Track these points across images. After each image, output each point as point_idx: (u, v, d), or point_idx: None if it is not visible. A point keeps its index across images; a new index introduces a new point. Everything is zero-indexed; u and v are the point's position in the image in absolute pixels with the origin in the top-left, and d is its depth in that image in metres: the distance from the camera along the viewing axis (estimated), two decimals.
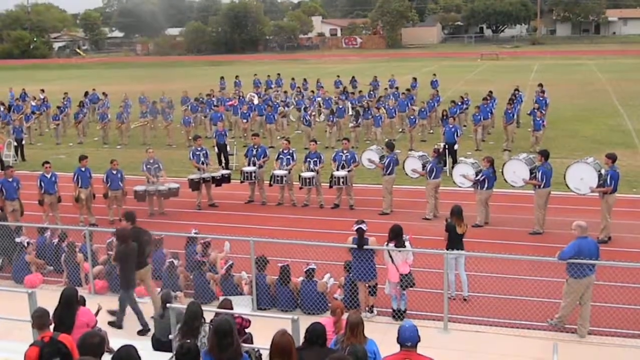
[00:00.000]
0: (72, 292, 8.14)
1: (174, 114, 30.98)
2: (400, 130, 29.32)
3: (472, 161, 16.85)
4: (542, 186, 15.09)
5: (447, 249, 11.27)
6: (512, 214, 16.65)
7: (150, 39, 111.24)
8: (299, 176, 17.97)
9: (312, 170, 17.94)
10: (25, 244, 13.44)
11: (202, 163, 18.48)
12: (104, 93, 36.40)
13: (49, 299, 8.58)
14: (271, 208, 18.24)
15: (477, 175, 15.97)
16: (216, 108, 28.77)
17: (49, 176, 16.42)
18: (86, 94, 36.84)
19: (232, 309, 8.64)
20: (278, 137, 28.34)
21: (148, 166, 17.72)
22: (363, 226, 10.76)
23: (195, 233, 12.95)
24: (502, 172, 16.27)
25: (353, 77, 40.66)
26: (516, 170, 15.86)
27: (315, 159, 18.04)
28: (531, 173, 15.59)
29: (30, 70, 79.24)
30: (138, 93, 37.13)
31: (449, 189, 18.19)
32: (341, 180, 17.49)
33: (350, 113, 29.11)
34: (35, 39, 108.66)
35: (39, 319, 7.26)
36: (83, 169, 16.72)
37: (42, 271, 13.39)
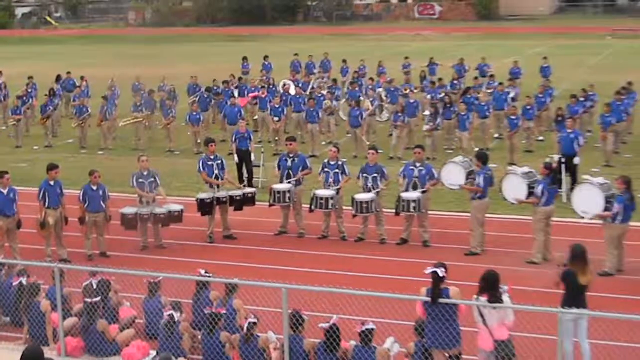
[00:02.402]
0: (35, 353, 8.26)
1: (178, 108, 31.46)
2: (497, 135, 29.13)
3: (600, 181, 16.65)
4: None
5: (564, 306, 11.11)
6: None
7: (147, 4, 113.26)
8: (352, 198, 18.00)
9: (369, 190, 17.97)
10: None
11: (216, 177, 18.67)
12: (82, 78, 37.14)
13: None
14: (312, 242, 18.29)
15: (606, 202, 15.75)
16: (233, 100, 29.08)
17: (5, 192, 16.70)
18: (58, 78, 37.67)
19: None
20: (323, 143, 28.46)
21: (141, 180, 17.95)
22: (439, 271, 10.69)
23: (205, 274, 13.06)
24: None
25: (431, 59, 40.68)
26: None
27: (375, 174, 18.06)
28: None
29: None
30: (130, 78, 37.78)
31: (566, 221, 17.97)
32: (412, 204, 17.45)
33: (425, 111, 29.11)
34: None
35: None
36: (52, 183, 17.05)
37: None
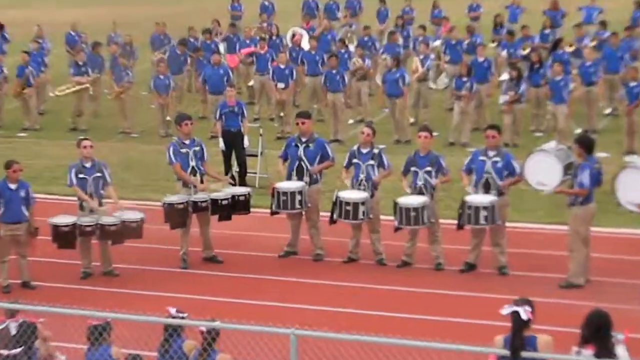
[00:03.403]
0: None
1: (137, 70, 31.47)
2: (609, 111, 29.01)
3: None
4: None
5: None
6: None
7: None
8: (394, 203, 18.01)
9: (420, 192, 17.99)
10: None
11: (193, 171, 18.72)
12: None
13: None
14: (334, 268, 18.32)
15: None
16: (218, 57, 28.95)
17: None
18: None
19: None
20: (350, 121, 28.44)
21: (82, 175, 17.96)
22: (522, 311, 10.67)
23: (177, 315, 13.08)
24: None
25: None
26: None
27: (429, 168, 18.01)
28: None
29: None
30: (65, 25, 37.75)
31: None
32: (482, 213, 17.35)
33: (502, 75, 29.02)
34: None
35: None
36: None
37: None
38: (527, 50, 29.89)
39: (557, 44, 30.65)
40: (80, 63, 30.62)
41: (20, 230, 17.33)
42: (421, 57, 29.75)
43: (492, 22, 37.06)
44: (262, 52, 30.63)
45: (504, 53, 31.13)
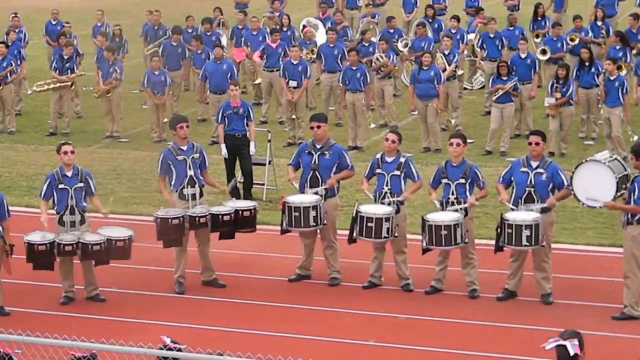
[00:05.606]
0: None
1: (127, 65, 31.45)
2: None
3: None
4: None
5: None
6: None
7: None
8: (422, 221, 17.98)
9: (453, 207, 17.96)
10: None
11: (191, 182, 18.65)
12: None
13: None
14: (352, 294, 18.24)
15: None
16: (220, 51, 28.82)
17: None
18: None
19: None
20: (372, 126, 28.42)
21: (62, 186, 17.92)
22: (570, 345, 10.65)
23: (172, 346, 13.10)
24: None
25: None
26: None
27: (462, 180, 17.95)
28: None
29: None
30: (45, 13, 37.81)
31: None
32: (525, 233, 17.19)
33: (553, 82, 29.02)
34: None
35: None
36: None
37: None
38: (576, 41, 29.74)
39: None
40: (66, 57, 30.44)
41: None
42: (445, 52, 29.57)
43: (533, 11, 36.38)
44: (273, 45, 30.63)
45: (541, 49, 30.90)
